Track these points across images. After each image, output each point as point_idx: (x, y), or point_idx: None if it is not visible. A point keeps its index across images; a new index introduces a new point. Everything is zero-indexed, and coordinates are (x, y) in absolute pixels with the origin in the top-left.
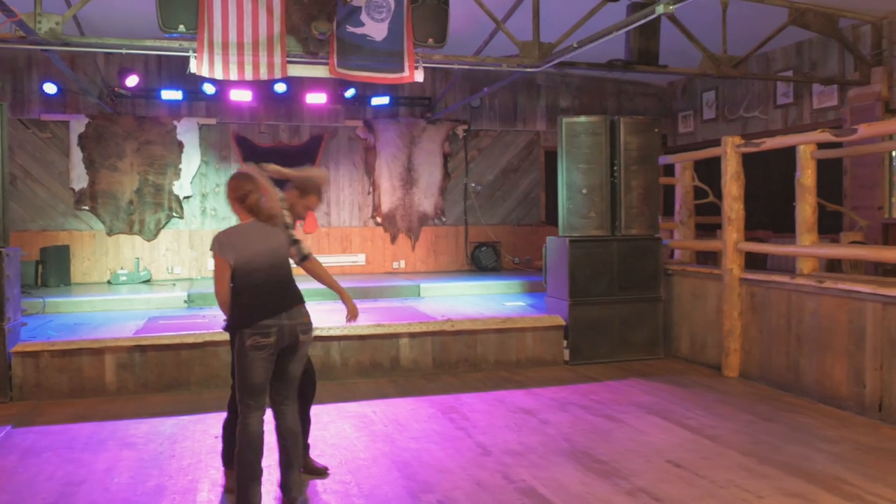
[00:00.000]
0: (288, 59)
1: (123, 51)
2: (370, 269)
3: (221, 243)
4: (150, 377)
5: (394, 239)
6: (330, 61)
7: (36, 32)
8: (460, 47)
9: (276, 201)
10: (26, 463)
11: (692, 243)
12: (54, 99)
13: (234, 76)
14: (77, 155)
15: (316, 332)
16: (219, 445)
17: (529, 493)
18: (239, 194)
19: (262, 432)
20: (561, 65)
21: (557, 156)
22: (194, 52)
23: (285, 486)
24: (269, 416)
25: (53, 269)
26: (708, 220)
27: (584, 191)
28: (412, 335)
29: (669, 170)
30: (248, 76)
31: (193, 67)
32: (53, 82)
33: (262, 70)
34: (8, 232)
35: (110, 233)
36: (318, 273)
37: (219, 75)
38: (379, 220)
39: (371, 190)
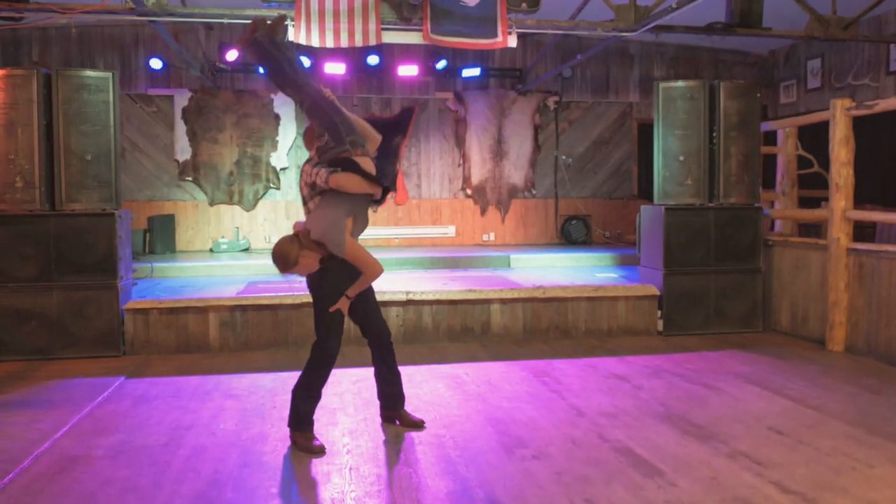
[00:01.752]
0: (382, 25)
1: (225, 20)
2: (460, 241)
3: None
4: (250, 336)
5: (483, 211)
6: (423, 27)
7: (144, 4)
8: (554, 13)
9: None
10: (138, 408)
11: (795, 212)
12: (159, 74)
13: (330, 43)
14: (181, 128)
15: (409, 297)
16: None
17: (625, 451)
18: (297, 249)
19: None
20: (658, 28)
21: (654, 122)
22: (292, 20)
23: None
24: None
25: (159, 236)
26: (811, 193)
27: (681, 158)
28: (503, 301)
29: (771, 140)
30: (344, 43)
31: (291, 35)
32: (159, 57)
33: (357, 37)
34: (120, 196)
35: (212, 203)
36: None
37: (315, 43)
38: (469, 192)
39: (461, 162)
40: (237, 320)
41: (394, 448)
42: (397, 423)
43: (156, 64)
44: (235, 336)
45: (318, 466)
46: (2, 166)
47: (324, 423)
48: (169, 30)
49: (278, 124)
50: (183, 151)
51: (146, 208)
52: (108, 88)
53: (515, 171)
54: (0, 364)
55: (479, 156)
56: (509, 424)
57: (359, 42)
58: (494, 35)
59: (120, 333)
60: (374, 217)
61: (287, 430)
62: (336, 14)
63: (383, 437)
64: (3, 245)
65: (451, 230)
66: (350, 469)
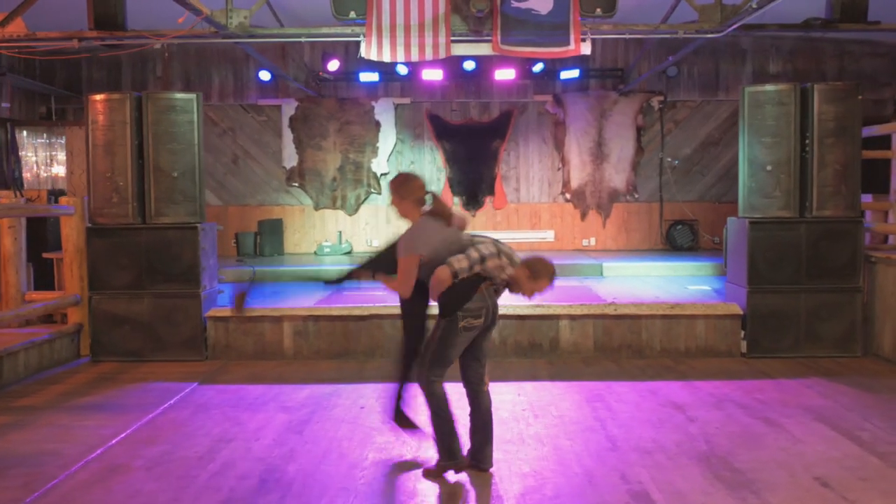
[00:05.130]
0: (452, 38)
1: (303, 39)
2: (559, 246)
3: (415, 241)
4: (321, 344)
5: (583, 215)
6: (493, 38)
7: (226, 27)
8: (645, 15)
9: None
10: (194, 418)
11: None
12: (268, 85)
13: (400, 58)
14: (288, 136)
15: None
16: (360, 416)
17: (640, 496)
18: (420, 195)
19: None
20: (746, 28)
21: (739, 129)
22: (364, 36)
23: (480, 457)
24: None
25: (268, 239)
26: None
27: (769, 167)
28: (572, 317)
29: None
30: (415, 57)
31: (363, 51)
32: (267, 69)
33: (427, 51)
34: (204, 209)
35: (316, 207)
36: None
37: (386, 58)
38: (568, 196)
39: (560, 165)
40: (310, 329)
41: (404, 479)
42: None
43: (264, 76)
44: (308, 344)
45: (326, 487)
46: (101, 184)
47: (356, 443)
48: (276, 45)
49: (379, 131)
50: (290, 158)
51: (257, 212)
52: (192, 109)
53: (616, 175)
54: (98, 364)
55: (578, 159)
56: (533, 457)
57: (429, 56)
58: (566, 43)
59: (203, 339)
60: (472, 222)
61: (317, 449)
62: (407, 28)
63: (394, 463)
64: (102, 255)
65: (549, 235)
66: (355, 496)
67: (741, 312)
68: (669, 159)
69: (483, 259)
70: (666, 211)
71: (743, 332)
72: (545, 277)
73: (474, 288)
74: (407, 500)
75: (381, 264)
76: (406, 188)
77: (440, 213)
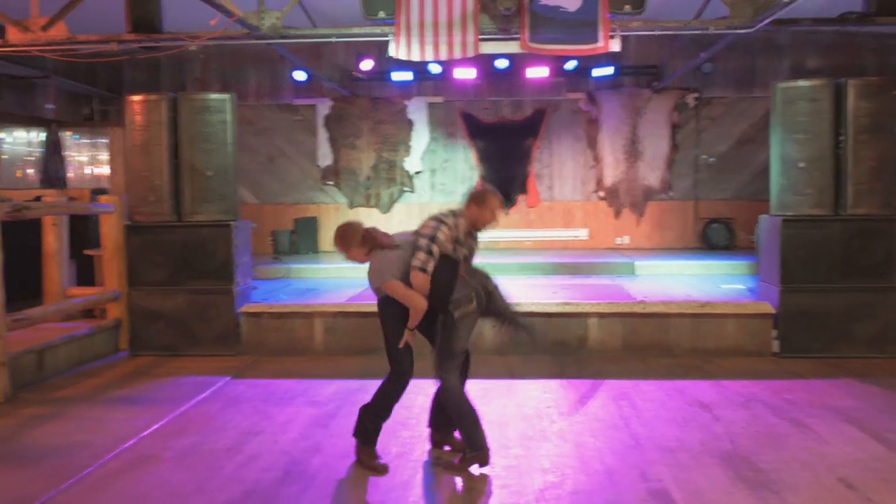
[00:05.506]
0: (480, 36)
1: (333, 39)
2: (593, 244)
3: (381, 272)
4: (351, 341)
5: (617, 213)
6: (521, 36)
7: (259, 29)
8: (675, 11)
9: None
10: (225, 411)
11: None
12: (303, 85)
13: (429, 56)
14: (323, 135)
15: None
16: None
17: (660, 495)
18: (359, 238)
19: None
20: (778, 22)
21: (770, 125)
22: (393, 35)
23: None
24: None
25: (303, 237)
26: None
27: (801, 164)
28: (601, 315)
29: None
30: (443, 56)
31: (392, 50)
32: (302, 69)
33: (455, 49)
34: (238, 207)
35: (351, 206)
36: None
37: (415, 57)
38: (602, 194)
39: (594, 163)
40: (340, 325)
41: (427, 473)
42: (446, 448)
43: (299, 76)
44: (337, 340)
45: (349, 479)
46: (138, 182)
47: (381, 436)
48: (310, 45)
49: (411, 130)
50: (325, 157)
51: (292, 211)
52: (226, 109)
53: (651, 172)
54: (136, 358)
55: (612, 157)
56: (555, 453)
57: (457, 54)
58: (595, 40)
59: (236, 335)
60: (506, 220)
61: (342, 443)
62: (435, 27)
63: (424, 460)
64: (140, 252)
65: (583, 233)
66: (377, 488)
67: (772, 311)
68: (705, 157)
69: (433, 238)
70: (701, 209)
71: (775, 332)
72: (492, 197)
73: (453, 278)
74: (429, 493)
75: (398, 317)
76: (347, 239)
77: (378, 244)
